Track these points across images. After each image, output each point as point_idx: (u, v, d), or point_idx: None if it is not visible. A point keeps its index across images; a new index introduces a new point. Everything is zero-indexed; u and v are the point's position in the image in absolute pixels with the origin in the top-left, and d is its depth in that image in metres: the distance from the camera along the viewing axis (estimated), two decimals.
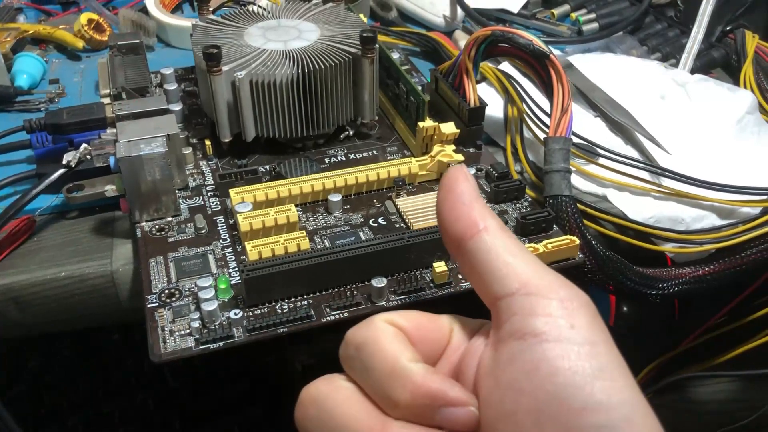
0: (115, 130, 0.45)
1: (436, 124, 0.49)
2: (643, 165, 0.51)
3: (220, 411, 0.61)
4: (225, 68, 0.47)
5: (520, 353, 0.23)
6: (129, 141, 0.42)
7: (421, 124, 0.49)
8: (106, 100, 0.51)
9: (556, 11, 0.73)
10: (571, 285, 0.25)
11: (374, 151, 0.52)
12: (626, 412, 0.22)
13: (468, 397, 0.24)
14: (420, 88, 0.50)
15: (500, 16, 0.72)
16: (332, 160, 0.51)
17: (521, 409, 0.23)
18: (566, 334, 0.23)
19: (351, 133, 0.53)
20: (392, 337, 0.26)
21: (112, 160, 0.43)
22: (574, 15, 0.72)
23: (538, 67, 0.49)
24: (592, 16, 0.71)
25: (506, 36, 0.48)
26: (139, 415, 0.62)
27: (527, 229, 0.43)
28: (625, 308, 0.67)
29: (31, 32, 0.66)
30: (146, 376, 0.63)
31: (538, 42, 0.48)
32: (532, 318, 0.23)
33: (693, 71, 0.62)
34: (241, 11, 0.55)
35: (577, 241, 0.42)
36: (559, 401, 0.22)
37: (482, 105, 0.51)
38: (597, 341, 0.23)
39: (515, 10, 0.72)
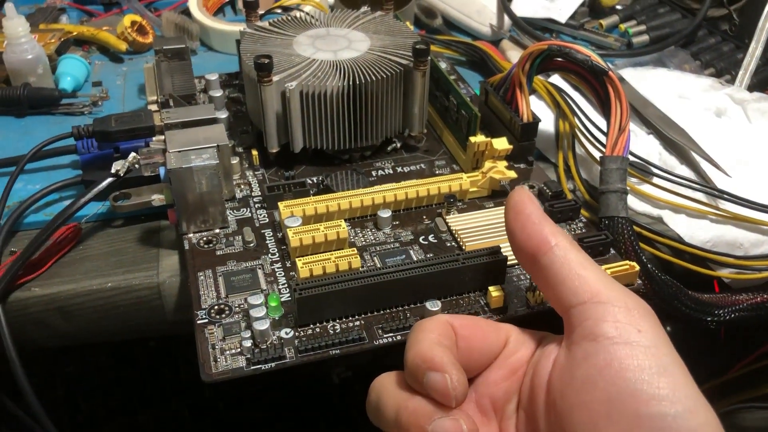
0: (162, 138, 0.44)
1: (489, 139, 0.47)
2: (699, 186, 0.50)
3: (257, 423, 0.60)
4: (275, 78, 0.46)
5: (594, 353, 0.27)
6: (179, 151, 0.42)
7: (472, 138, 0.47)
8: (153, 107, 0.50)
9: (605, 22, 0.71)
10: (635, 296, 0.28)
11: (422, 165, 0.51)
12: (690, 404, 0.25)
13: (450, 367, 0.28)
14: (468, 99, 0.49)
15: (547, 26, 0.71)
16: (379, 173, 0.50)
17: (595, 399, 0.26)
18: (634, 338, 0.26)
19: (398, 145, 0.52)
20: (436, 324, 0.31)
21: (162, 171, 0.42)
22: (623, 26, 0.71)
23: (595, 83, 0.47)
24: (642, 28, 0.70)
25: (563, 51, 0.47)
26: (175, 425, 0.61)
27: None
28: (668, 328, 0.66)
29: (75, 34, 0.66)
30: (181, 384, 0.62)
31: (596, 58, 0.47)
32: (603, 323, 0.27)
33: (750, 88, 0.60)
34: (290, 18, 0.54)
35: (637, 267, 0.40)
36: (629, 393, 0.25)
37: (536, 120, 0.49)
38: (660, 344, 0.26)
39: (563, 20, 0.71)
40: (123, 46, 0.66)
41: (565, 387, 0.28)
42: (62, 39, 0.64)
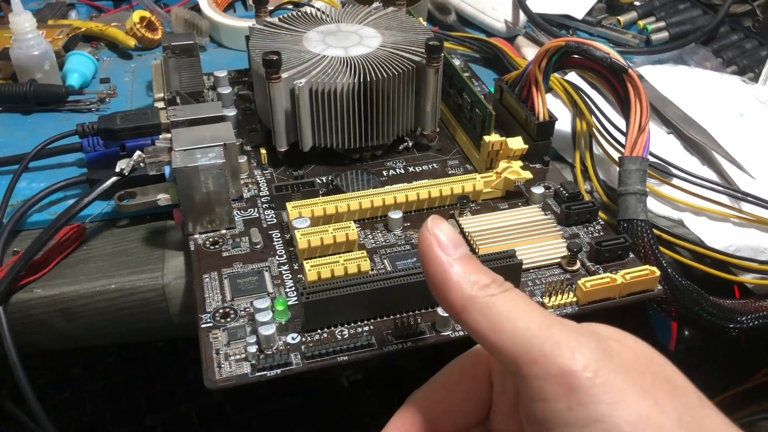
0: (168, 136, 0.43)
1: (503, 138, 0.46)
2: (722, 188, 0.48)
3: (266, 427, 0.59)
4: (284, 75, 0.45)
5: None
6: (185, 150, 0.41)
7: (486, 138, 0.46)
8: (160, 104, 0.49)
9: (623, 18, 0.70)
10: (565, 345, 0.22)
11: (434, 164, 0.49)
12: None
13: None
14: (482, 97, 0.48)
15: (563, 22, 0.69)
16: (391, 173, 0.48)
17: None
18: (566, 419, 0.21)
19: (410, 144, 0.51)
20: None
21: (167, 170, 0.41)
22: (641, 23, 0.69)
23: (615, 81, 0.46)
24: (662, 24, 0.68)
25: (581, 48, 0.46)
26: (183, 429, 0.60)
27: (602, 256, 0.40)
28: (686, 332, 0.64)
29: (83, 30, 0.65)
30: (189, 386, 0.61)
31: (615, 55, 0.45)
32: (531, 404, 0.22)
33: None
34: (300, 14, 0.53)
35: (657, 272, 0.39)
36: None
37: (552, 119, 0.48)
38: (602, 415, 0.21)
39: (579, 17, 0.69)
40: (132, 42, 0.65)
41: None
42: (70, 35, 0.63)
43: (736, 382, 0.59)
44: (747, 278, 0.46)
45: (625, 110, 0.46)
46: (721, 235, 0.46)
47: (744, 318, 0.44)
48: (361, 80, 0.45)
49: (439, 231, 0.24)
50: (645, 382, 0.21)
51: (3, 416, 0.43)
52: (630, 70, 0.45)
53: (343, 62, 0.46)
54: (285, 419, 0.60)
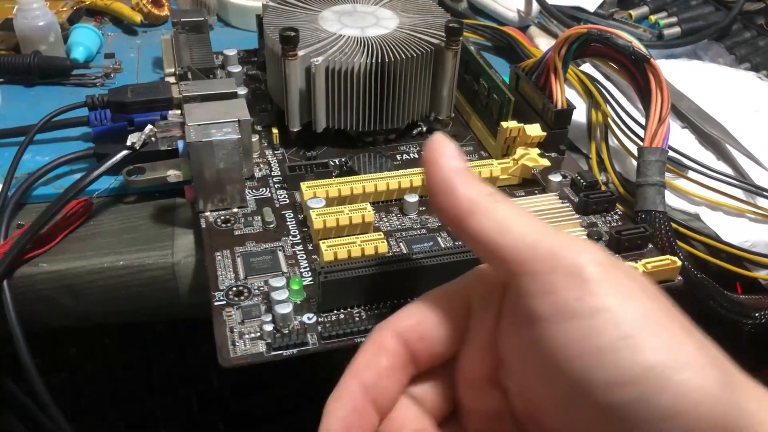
0: (179, 112, 0.42)
1: (521, 125, 0.45)
2: (738, 182, 0.48)
3: (267, 416, 0.58)
4: (300, 53, 0.44)
5: (532, 342, 0.22)
6: (199, 125, 0.40)
7: (504, 123, 0.45)
8: (171, 79, 0.48)
9: (634, 12, 0.69)
10: (572, 245, 0.22)
11: None
12: (659, 378, 0.19)
13: None
14: (500, 82, 0.47)
15: (575, 14, 0.68)
16: (404, 157, 0.48)
17: (551, 401, 0.22)
18: (574, 309, 0.21)
19: (424, 129, 0.50)
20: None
21: (180, 145, 0.40)
22: (653, 18, 0.68)
23: (635, 71, 0.45)
24: (674, 19, 0.67)
25: (603, 36, 0.45)
26: (182, 414, 0.59)
27: (622, 245, 0.40)
28: None
29: (87, 3, 0.64)
30: (190, 371, 0.60)
31: (637, 44, 0.45)
32: (534, 299, 0.22)
33: None
34: None
35: (678, 263, 0.38)
36: (582, 386, 0.20)
37: (570, 107, 0.47)
38: (611, 306, 0.20)
39: (591, 9, 0.69)
40: (137, 17, 0.64)
41: (519, 384, 0.24)
42: (74, 8, 0.62)
43: None
44: (761, 274, 0.46)
45: (645, 101, 0.45)
46: (737, 231, 0.46)
47: (758, 314, 0.44)
48: (379, 61, 0.44)
49: (444, 145, 0.25)
50: (650, 293, 0.21)
51: (4, 397, 0.41)
52: (652, 59, 0.44)
53: (360, 42, 0.46)
54: (285, 405, 0.59)
